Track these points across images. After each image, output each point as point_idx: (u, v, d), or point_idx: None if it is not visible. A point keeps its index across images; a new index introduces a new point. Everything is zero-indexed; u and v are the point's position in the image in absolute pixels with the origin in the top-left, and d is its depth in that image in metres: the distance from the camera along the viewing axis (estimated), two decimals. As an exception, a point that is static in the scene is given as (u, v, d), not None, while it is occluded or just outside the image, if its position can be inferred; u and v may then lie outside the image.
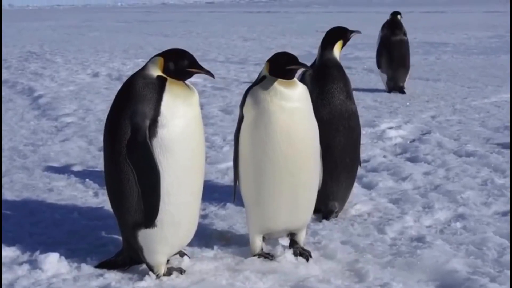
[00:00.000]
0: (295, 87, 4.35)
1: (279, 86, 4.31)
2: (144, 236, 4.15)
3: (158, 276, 4.24)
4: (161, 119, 4.00)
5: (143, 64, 4.27)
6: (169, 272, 4.28)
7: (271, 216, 4.46)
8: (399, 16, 12.55)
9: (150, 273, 4.25)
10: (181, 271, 4.34)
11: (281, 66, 4.35)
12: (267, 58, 4.51)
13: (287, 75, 4.36)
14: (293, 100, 4.31)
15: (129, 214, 4.11)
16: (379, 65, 12.45)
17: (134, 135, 3.98)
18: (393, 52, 12.24)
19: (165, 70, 4.15)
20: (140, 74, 4.15)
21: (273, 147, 4.29)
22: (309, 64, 4.97)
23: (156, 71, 4.14)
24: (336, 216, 5.45)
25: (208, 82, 13.67)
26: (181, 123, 4.06)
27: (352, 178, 5.61)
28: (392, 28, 12.42)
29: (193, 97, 4.17)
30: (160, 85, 4.07)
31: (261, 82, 4.37)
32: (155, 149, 4.00)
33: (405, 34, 12.42)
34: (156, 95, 4.03)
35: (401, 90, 12.14)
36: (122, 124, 4.02)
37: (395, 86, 12.21)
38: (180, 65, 4.17)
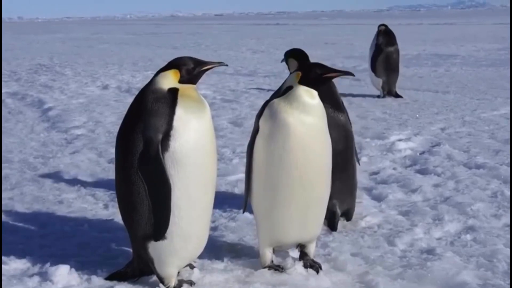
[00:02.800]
0: (316, 101, 4.34)
1: (301, 99, 4.29)
2: (154, 248, 4.15)
3: None
4: (173, 133, 4.02)
5: (153, 76, 4.28)
6: (179, 284, 4.28)
7: (282, 229, 4.45)
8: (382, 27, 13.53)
9: (161, 285, 4.25)
10: (191, 283, 4.34)
11: (318, 75, 4.39)
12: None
13: (322, 84, 4.41)
14: (313, 115, 4.30)
15: (139, 226, 4.12)
16: (374, 70, 13.22)
17: (147, 148, 4.00)
18: (389, 59, 13.14)
19: (181, 78, 4.19)
20: (151, 88, 4.16)
21: (289, 160, 4.27)
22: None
23: (167, 84, 4.15)
24: (341, 218, 5.48)
25: (217, 94, 13.71)
26: (193, 137, 4.07)
27: (347, 177, 5.57)
28: (387, 37, 13.32)
29: (205, 110, 4.18)
30: (172, 99, 4.08)
31: (284, 95, 4.33)
32: (167, 163, 4.00)
33: (397, 44, 13.43)
34: (168, 109, 4.04)
35: (397, 95, 13.08)
36: (135, 138, 4.03)
37: (389, 91, 13.12)
38: (193, 69, 4.24)
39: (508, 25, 41.81)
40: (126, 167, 4.06)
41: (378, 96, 13.19)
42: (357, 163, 5.77)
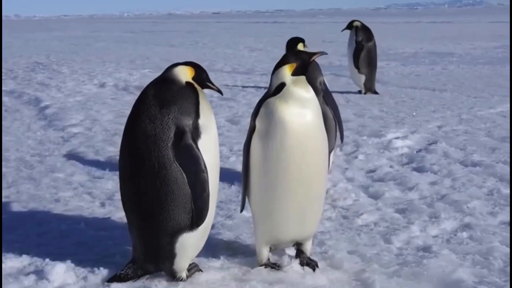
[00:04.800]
0: (311, 95, 4.36)
1: (297, 96, 4.30)
2: (184, 239, 4.18)
3: (182, 280, 4.31)
4: (200, 122, 4.14)
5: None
6: (190, 274, 4.39)
7: (281, 227, 4.45)
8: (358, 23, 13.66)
9: (157, 283, 4.25)
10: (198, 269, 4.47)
11: (307, 62, 4.43)
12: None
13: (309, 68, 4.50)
14: (310, 112, 4.31)
15: (172, 220, 4.13)
16: (357, 67, 13.32)
17: (180, 137, 4.06)
18: (370, 54, 13.35)
19: (194, 77, 4.34)
20: (170, 77, 4.27)
21: (287, 158, 4.27)
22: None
23: (184, 77, 4.28)
24: None
25: (214, 92, 13.59)
26: (213, 128, 4.26)
27: None
28: (366, 32, 13.45)
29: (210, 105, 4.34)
30: (193, 91, 4.22)
31: (280, 93, 4.33)
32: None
33: (374, 38, 13.60)
34: (194, 100, 4.18)
35: (375, 91, 13.38)
36: (165, 129, 4.07)
37: (371, 87, 13.36)
38: (205, 77, 4.42)
39: (505, 23, 41.88)
40: (161, 160, 4.07)
41: (360, 92, 13.40)
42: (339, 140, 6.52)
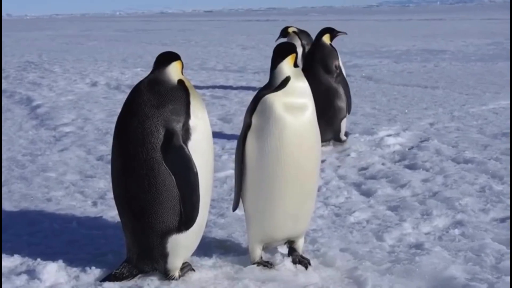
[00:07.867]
0: (308, 92, 4.36)
1: (296, 92, 4.30)
2: (174, 240, 4.18)
3: (174, 279, 4.29)
4: (191, 124, 4.11)
5: (143, 73, 4.31)
6: (182, 274, 4.36)
7: (275, 225, 4.44)
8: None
9: (149, 282, 4.25)
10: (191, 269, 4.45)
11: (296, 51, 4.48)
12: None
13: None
14: (307, 109, 4.31)
15: (161, 221, 4.13)
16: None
17: (170, 139, 4.04)
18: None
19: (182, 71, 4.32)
20: (162, 78, 4.22)
21: (286, 155, 4.26)
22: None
23: (176, 75, 4.25)
24: None
25: (207, 91, 13.68)
26: (206, 127, 4.22)
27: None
28: (307, 36, 13.41)
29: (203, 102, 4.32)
30: (184, 90, 4.18)
31: (284, 88, 4.31)
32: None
33: None
34: (184, 100, 4.14)
35: None
36: (154, 130, 4.05)
37: None
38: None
39: (497, 20, 41.95)
40: (149, 162, 4.06)
41: None
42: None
